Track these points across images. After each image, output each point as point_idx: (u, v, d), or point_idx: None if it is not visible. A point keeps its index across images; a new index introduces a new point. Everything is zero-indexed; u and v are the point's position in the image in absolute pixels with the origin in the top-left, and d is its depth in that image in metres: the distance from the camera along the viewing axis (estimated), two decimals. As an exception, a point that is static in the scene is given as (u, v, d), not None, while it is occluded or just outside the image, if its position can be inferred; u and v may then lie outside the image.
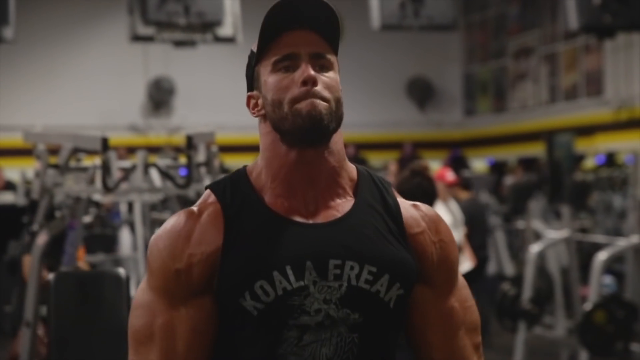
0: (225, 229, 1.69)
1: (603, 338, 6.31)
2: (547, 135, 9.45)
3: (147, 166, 4.88)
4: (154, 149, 10.05)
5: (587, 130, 12.26)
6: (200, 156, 4.80)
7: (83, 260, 5.23)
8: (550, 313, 7.69)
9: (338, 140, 1.74)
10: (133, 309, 1.74)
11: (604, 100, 12.46)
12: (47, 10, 14.51)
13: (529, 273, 7.11)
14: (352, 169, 1.78)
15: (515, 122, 14.73)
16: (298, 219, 1.71)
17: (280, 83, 1.70)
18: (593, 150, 12.09)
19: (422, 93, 16.22)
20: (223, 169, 6.05)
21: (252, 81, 1.76)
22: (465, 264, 6.45)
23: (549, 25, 13.93)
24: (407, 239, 1.75)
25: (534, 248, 7.26)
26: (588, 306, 6.42)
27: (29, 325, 4.35)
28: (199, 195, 3.91)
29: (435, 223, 1.79)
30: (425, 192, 4.38)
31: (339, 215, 1.72)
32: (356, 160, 8.69)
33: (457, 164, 12.76)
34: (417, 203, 1.81)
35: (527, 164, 12.76)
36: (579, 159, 11.10)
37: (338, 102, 1.71)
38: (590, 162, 11.81)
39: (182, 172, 5.40)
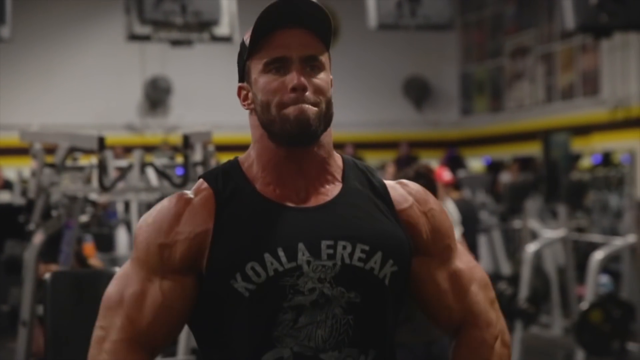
0: (217, 214, 1.72)
1: (599, 337, 6.31)
2: (543, 135, 9.47)
3: (143, 165, 4.88)
4: (150, 148, 10.04)
5: (584, 130, 12.27)
6: (197, 155, 4.79)
7: (94, 257, 5.23)
8: (547, 312, 7.71)
9: (327, 132, 1.76)
10: (112, 279, 1.78)
11: (601, 99, 12.46)
12: (44, 10, 14.49)
13: (525, 272, 7.12)
14: (338, 157, 1.81)
15: (512, 122, 14.74)
16: (289, 204, 1.73)
17: (269, 85, 1.71)
18: (589, 150, 12.10)
19: (418, 92, 16.21)
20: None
21: (243, 73, 1.77)
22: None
23: (546, 25, 13.94)
24: (397, 215, 1.78)
25: (531, 247, 7.27)
26: (584, 305, 6.43)
27: (25, 324, 4.35)
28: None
29: (422, 195, 1.83)
30: None
31: (328, 199, 1.74)
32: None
33: (454, 163, 12.77)
34: (402, 180, 1.85)
35: (524, 163, 12.77)
36: (576, 158, 11.12)
37: (328, 103, 1.73)
38: (586, 162, 11.83)
39: (179, 171, 5.40)
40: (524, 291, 7.06)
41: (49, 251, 5.02)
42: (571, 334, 6.71)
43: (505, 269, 9.33)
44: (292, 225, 1.70)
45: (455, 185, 8.67)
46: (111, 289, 1.76)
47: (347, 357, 1.69)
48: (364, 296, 1.70)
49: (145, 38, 8.58)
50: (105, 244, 7.68)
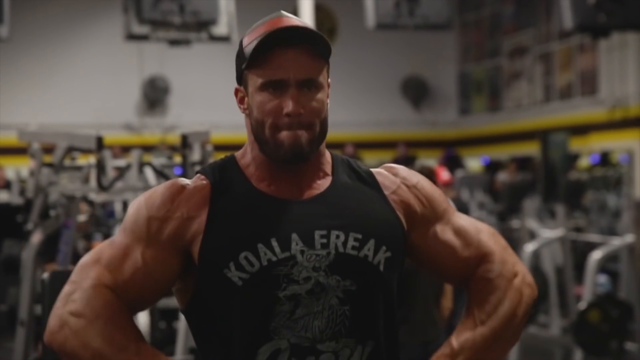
0: (211, 203, 1.74)
1: (597, 337, 6.32)
2: (541, 135, 9.48)
3: (141, 165, 4.88)
4: (148, 148, 10.04)
5: (582, 130, 12.27)
6: (195, 155, 4.80)
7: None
8: (545, 312, 7.70)
9: None
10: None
11: (599, 99, 12.47)
12: (42, 9, 14.48)
13: (523, 272, 7.11)
14: (326, 152, 1.83)
15: (510, 122, 14.75)
16: (283, 197, 1.76)
17: (265, 105, 1.73)
18: (587, 150, 12.11)
19: (417, 92, 16.22)
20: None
21: (241, 76, 1.78)
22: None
23: (544, 25, 13.94)
24: (387, 199, 1.80)
25: (529, 247, 7.27)
26: (582, 305, 6.43)
27: (23, 324, 4.35)
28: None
29: (407, 173, 1.85)
30: None
31: (320, 191, 1.77)
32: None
33: (452, 163, 12.77)
34: (386, 164, 1.87)
35: (522, 162, 12.77)
36: (574, 158, 11.12)
37: (322, 123, 1.75)
38: (584, 162, 11.82)
39: (177, 171, 5.40)
40: (522, 291, 7.04)
41: (47, 251, 5.02)
42: (569, 334, 6.71)
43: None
44: (286, 216, 1.72)
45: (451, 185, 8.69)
46: (88, 255, 1.75)
47: (344, 347, 1.70)
48: (359, 284, 1.72)
49: (143, 38, 8.58)
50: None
